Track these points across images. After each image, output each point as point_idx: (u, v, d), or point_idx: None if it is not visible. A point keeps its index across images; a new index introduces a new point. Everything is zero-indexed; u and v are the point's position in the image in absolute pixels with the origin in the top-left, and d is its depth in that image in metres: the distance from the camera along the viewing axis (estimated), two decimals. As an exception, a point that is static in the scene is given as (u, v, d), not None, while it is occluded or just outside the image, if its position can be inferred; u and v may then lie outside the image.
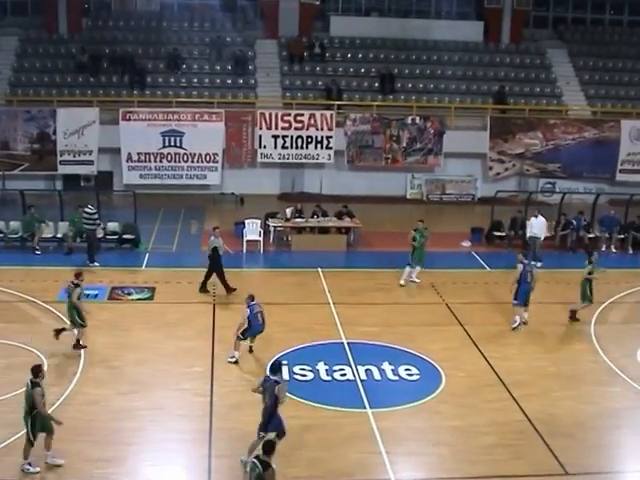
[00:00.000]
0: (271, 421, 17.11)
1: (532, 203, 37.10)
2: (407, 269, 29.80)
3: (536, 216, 32.89)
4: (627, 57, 49.21)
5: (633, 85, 47.66)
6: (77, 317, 23.02)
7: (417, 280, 29.93)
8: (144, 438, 18.63)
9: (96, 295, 27.61)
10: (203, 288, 28.51)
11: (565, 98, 46.35)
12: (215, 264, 28.51)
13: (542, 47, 49.03)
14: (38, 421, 17.00)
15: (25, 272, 29.91)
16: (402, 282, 29.64)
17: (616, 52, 49.44)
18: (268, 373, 17.96)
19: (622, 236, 35.79)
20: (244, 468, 16.15)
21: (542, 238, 33.03)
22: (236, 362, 22.39)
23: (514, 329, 25.54)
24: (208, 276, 28.57)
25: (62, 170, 40.89)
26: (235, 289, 28.24)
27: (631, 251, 35.30)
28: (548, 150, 43.59)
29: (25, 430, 17.05)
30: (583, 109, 46.05)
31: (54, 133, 40.24)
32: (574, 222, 35.30)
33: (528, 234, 32.95)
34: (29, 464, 17.00)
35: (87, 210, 31.49)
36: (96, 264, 30.97)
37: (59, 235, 32.99)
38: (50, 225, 33.19)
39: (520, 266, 25.70)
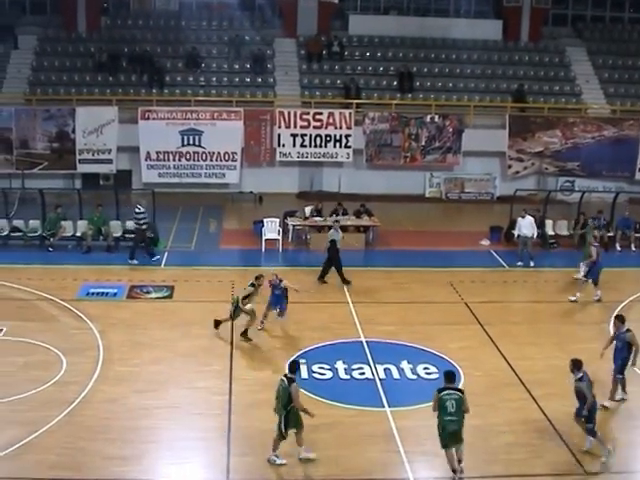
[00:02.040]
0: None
1: (551, 202, 36.99)
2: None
3: (523, 216, 32.55)
4: (646, 55, 48.93)
5: (652, 83, 47.45)
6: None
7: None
8: (161, 436, 18.63)
9: (115, 293, 27.70)
10: (322, 279, 29.45)
11: (584, 96, 46.18)
12: (333, 257, 29.22)
13: (561, 45, 48.84)
14: (292, 417, 17.45)
15: (44, 270, 29.98)
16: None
17: (635, 50, 49.14)
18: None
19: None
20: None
21: (533, 237, 32.83)
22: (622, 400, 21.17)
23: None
24: (327, 268, 29.39)
25: (81, 169, 41.01)
26: (350, 282, 29.07)
27: (647, 250, 35.16)
28: (567, 149, 43.45)
29: (277, 423, 17.47)
30: (602, 107, 45.86)
31: (73, 132, 40.37)
32: (592, 221, 35.03)
33: (517, 234, 32.69)
34: (276, 456, 17.49)
35: (136, 210, 31.62)
36: (135, 262, 31.19)
37: (78, 234, 33.04)
38: (69, 223, 33.27)
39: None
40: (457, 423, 17.05)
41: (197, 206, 39.16)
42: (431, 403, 17.37)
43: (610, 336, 21.25)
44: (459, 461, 17.29)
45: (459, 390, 17.41)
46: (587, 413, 18.05)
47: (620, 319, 20.73)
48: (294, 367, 17.96)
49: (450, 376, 17.53)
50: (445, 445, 17.14)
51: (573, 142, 43.34)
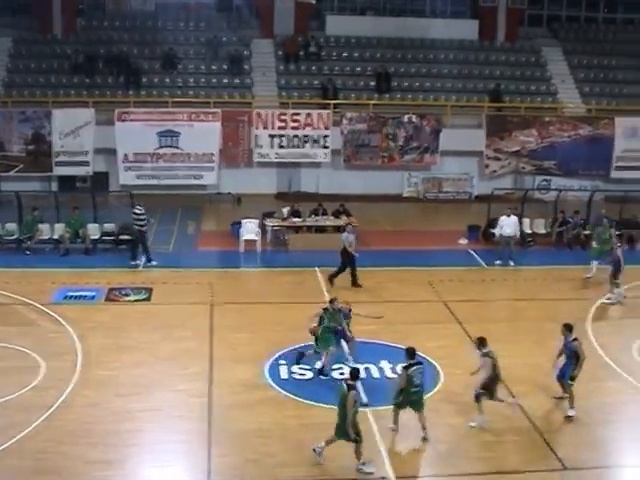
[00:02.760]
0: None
1: (528, 200, 37.14)
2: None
3: (508, 215, 32.71)
4: (621, 55, 49.29)
5: (627, 83, 47.79)
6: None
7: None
8: (144, 440, 18.59)
9: (93, 296, 27.60)
10: (331, 281, 29.23)
11: (560, 96, 46.46)
12: (347, 259, 29.21)
13: (537, 45, 49.12)
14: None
15: (21, 274, 29.82)
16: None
17: (610, 50, 49.54)
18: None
19: (618, 233, 35.78)
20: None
21: (516, 236, 32.98)
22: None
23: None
24: (341, 270, 29.32)
25: (57, 171, 40.87)
26: (361, 285, 29.09)
27: (627, 247, 35.29)
28: (543, 147, 43.67)
29: (348, 435, 17.26)
30: (578, 107, 46.14)
31: (49, 134, 40.23)
32: (571, 220, 35.35)
33: (499, 233, 32.77)
34: (363, 464, 17.35)
35: (136, 211, 31.46)
36: (138, 262, 31.23)
37: (55, 237, 32.90)
38: (47, 226, 33.13)
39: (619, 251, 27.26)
40: (420, 392, 18.74)
41: (175, 208, 39.09)
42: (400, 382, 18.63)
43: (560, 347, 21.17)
44: (423, 427, 18.61)
45: (419, 363, 18.81)
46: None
47: (568, 328, 20.72)
48: (356, 374, 17.87)
49: (411, 352, 18.78)
50: (399, 406, 18.85)
51: (549, 141, 43.57)
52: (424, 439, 18.63)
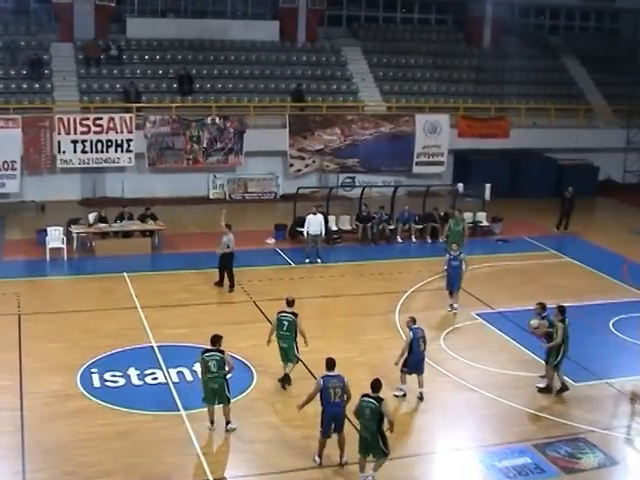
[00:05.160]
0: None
1: (333, 198, 37.79)
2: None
3: (314, 213, 33.28)
4: (418, 54, 50.73)
5: (425, 80, 49.26)
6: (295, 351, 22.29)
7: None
8: (-48, 458, 18.12)
9: None
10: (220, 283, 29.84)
11: (361, 94, 47.38)
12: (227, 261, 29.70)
13: (337, 45, 49.94)
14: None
15: None
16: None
17: (408, 49, 50.92)
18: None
19: (421, 226, 36.99)
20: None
21: (322, 234, 33.56)
22: (404, 395, 21.52)
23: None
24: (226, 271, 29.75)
25: None
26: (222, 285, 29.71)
27: (430, 240, 36.50)
28: (346, 146, 44.40)
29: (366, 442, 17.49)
30: (379, 105, 47.18)
31: None
32: (376, 215, 36.20)
33: (307, 231, 33.27)
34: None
35: None
36: None
37: None
38: None
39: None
40: (217, 381, 19.07)
41: (-22, 218, 38.00)
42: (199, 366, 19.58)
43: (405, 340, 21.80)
44: (227, 422, 19.35)
45: (219, 350, 19.17)
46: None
47: (412, 320, 21.55)
48: (379, 385, 17.57)
49: (213, 339, 19.40)
50: (203, 399, 19.46)
51: (352, 139, 44.36)
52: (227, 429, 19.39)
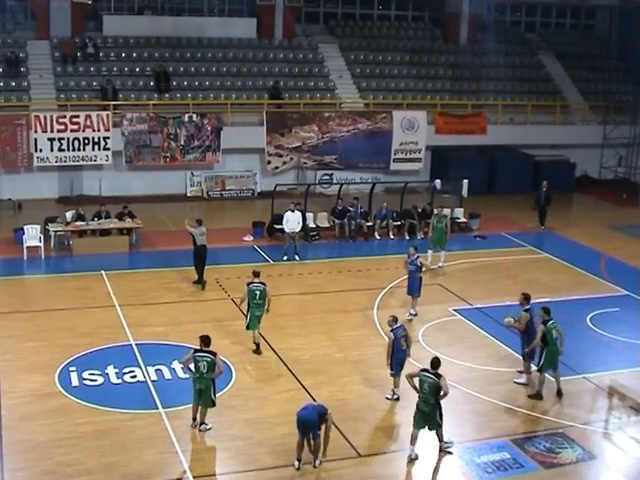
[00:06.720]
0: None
1: (311, 195, 37.83)
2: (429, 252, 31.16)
3: (293, 210, 33.37)
4: (395, 50, 50.81)
5: (402, 77, 49.30)
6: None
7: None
8: None
9: None
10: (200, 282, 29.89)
11: (339, 91, 47.39)
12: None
13: (314, 42, 49.92)
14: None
15: None
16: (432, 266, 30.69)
17: (385, 46, 50.94)
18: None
19: (399, 223, 37.06)
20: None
21: (300, 231, 33.72)
22: (397, 399, 21.46)
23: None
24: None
25: None
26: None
27: (407, 237, 36.55)
28: (324, 143, 44.40)
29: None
30: (356, 101, 47.22)
31: None
32: (351, 208, 36.21)
33: (286, 229, 33.35)
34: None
35: None
36: None
37: None
38: None
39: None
40: (204, 382, 19.26)
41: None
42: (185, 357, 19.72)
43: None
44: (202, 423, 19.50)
45: (211, 352, 19.34)
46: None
47: (394, 318, 21.48)
48: (439, 362, 18.64)
49: (207, 340, 19.64)
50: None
51: (329, 136, 44.35)
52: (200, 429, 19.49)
